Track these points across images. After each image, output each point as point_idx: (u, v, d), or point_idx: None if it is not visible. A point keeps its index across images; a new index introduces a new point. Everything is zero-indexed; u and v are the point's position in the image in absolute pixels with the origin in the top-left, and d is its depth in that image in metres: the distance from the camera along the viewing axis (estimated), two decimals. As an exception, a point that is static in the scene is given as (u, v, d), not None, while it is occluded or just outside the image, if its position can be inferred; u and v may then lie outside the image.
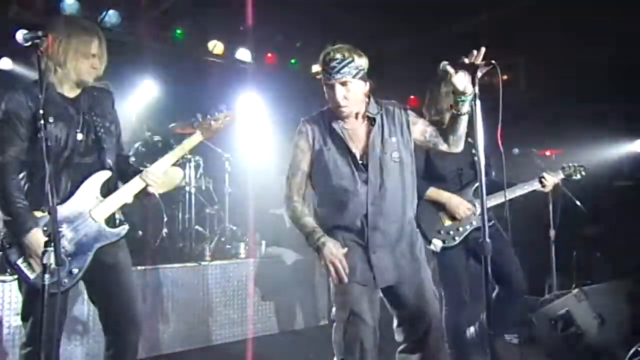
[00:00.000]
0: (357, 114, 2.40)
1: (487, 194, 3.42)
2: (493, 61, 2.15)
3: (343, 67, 2.26)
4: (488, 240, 2.03)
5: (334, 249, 2.24)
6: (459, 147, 2.47)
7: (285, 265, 4.99)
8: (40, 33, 2.04)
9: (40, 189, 2.24)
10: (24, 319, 2.35)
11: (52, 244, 1.95)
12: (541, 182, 3.50)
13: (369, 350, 2.26)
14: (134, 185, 2.46)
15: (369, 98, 2.42)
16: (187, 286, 4.36)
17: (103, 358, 2.52)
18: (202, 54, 6.88)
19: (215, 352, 4.33)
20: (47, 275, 1.95)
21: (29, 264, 2.25)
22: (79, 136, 2.40)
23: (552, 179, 3.53)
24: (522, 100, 6.23)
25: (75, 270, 2.32)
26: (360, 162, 2.36)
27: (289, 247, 5.19)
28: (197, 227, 5.26)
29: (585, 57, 5.44)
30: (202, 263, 4.53)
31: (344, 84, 2.28)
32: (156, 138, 5.16)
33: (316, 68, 2.51)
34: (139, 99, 6.29)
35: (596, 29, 5.23)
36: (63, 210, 2.30)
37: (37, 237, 2.20)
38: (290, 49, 7.30)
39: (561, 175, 3.67)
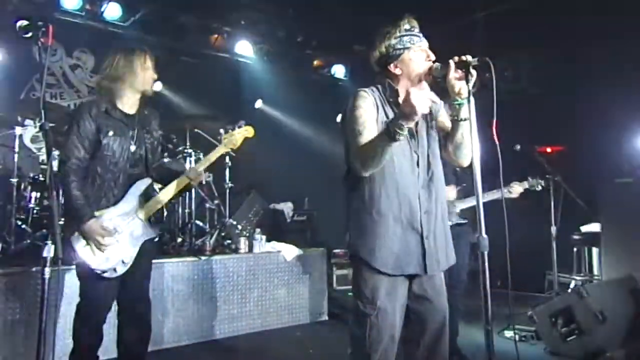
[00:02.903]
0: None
1: (464, 197, 3.60)
2: (487, 58, 2.09)
3: (422, 35, 2.30)
4: (485, 236, 2.02)
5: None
6: (462, 158, 2.36)
7: (286, 261, 4.98)
8: (40, 23, 2.02)
9: (99, 192, 2.73)
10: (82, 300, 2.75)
11: (53, 238, 1.95)
12: (509, 191, 3.81)
13: (392, 348, 2.24)
14: (181, 182, 2.93)
15: None
16: (186, 281, 4.34)
17: (118, 343, 2.87)
18: (204, 48, 6.86)
19: (214, 347, 4.32)
20: (47, 269, 1.97)
21: (91, 251, 2.65)
22: (132, 147, 2.83)
23: (518, 188, 3.85)
24: (524, 97, 6.23)
25: (127, 260, 2.73)
26: (416, 141, 2.31)
27: (290, 243, 5.18)
28: (197, 221, 5.25)
29: (586, 53, 5.43)
30: (202, 258, 4.52)
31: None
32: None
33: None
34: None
35: (598, 25, 5.21)
36: (117, 211, 2.75)
37: (95, 225, 2.63)
38: (292, 43, 7.27)
39: (526, 185, 3.94)
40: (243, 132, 3.10)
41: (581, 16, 5.32)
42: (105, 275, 2.65)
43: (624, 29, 5.04)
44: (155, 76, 2.88)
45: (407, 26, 2.29)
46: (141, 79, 2.80)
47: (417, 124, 2.31)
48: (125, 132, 2.80)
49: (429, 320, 2.33)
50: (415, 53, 2.27)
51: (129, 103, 2.84)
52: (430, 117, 2.39)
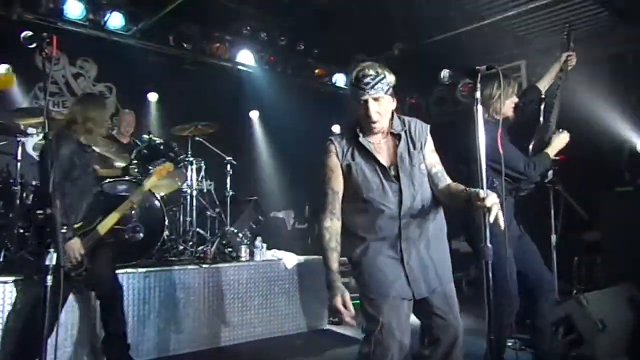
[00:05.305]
0: (383, 131, 2.40)
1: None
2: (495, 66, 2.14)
3: (376, 83, 2.25)
4: (489, 245, 2.04)
5: (340, 301, 2.20)
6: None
7: (286, 269, 4.98)
8: (45, 35, 2.05)
9: (75, 209, 3.41)
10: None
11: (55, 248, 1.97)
12: None
13: None
14: (126, 206, 3.68)
15: (392, 115, 2.41)
16: (188, 289, 4.35)
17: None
18: (204, 57, 6.90)
19: (215, 355, 4.31)
20: (48, 277, 1.98)
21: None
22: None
23: None
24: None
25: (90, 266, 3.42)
26: (390, 173, 2.34)
27: (290, 250, 5.19)
28: (198, 229, 5.26)
29: (585, 60, 5.45)
30: (203, 266, 4.53)
31: (377, 99, 2.27)
32: (157, 140, 5.18)
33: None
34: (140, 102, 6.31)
35: (597, 31, 5.24)
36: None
37: (75, 244, 3.29)
38: (292, 53, 7.31)
39: None
40: (167, 167, 4.04)
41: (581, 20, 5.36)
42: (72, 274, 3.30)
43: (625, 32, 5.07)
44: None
45: (358, 75, 2.28)
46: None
47: (396, 154, 2.36)
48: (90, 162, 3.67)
49: (441, 335, 2.34)
50: (360, 105, 2.31)
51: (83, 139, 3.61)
52: (411, 143, 2.40)
